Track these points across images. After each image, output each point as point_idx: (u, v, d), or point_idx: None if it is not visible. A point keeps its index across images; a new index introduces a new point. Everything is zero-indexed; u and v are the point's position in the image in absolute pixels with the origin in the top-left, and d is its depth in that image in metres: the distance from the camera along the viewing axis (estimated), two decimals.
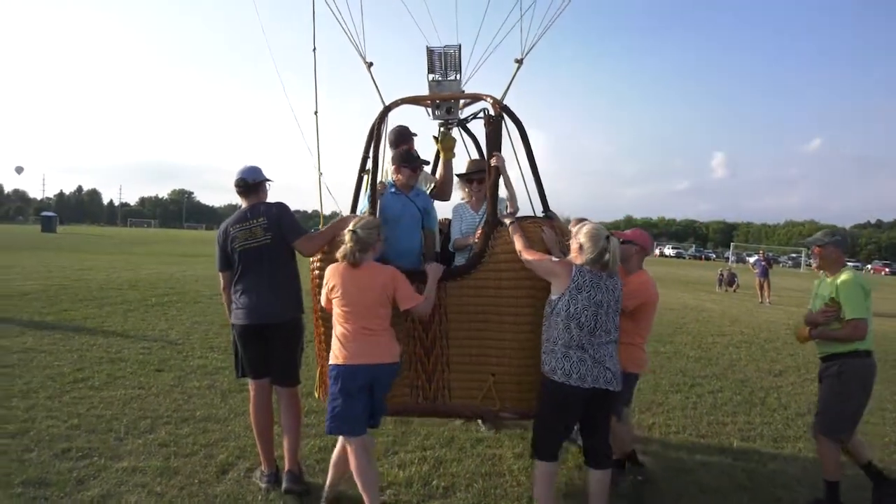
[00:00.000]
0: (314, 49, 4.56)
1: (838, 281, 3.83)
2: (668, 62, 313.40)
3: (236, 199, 4.03)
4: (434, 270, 3.65)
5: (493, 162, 3.78)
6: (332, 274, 3.47)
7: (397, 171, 4.05)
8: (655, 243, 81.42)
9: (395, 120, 4.21)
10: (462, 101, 4.36)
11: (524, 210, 3.94)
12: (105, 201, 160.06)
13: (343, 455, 3.49)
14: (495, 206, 3.80)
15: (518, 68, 4.31)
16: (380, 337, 3.42)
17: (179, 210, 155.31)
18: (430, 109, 4.34)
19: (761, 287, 19.32)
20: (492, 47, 4.46)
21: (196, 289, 13.77)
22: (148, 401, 5.37)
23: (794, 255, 67.71)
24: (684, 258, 68.66)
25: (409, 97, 4.11)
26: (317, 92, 4.52)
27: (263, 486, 3.82)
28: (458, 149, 4.67)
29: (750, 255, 63.43)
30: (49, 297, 11.35)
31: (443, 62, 4.20)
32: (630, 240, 4.09)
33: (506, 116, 3.86)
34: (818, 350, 4.03)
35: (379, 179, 3.91)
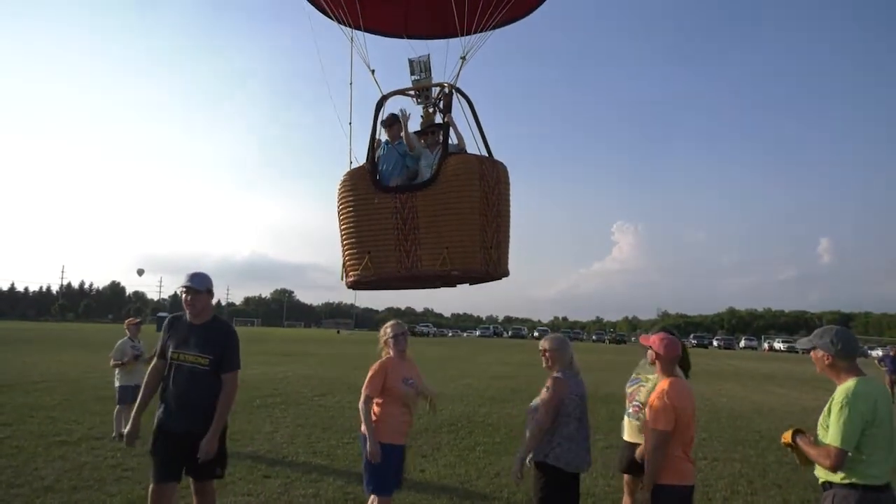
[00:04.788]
0: (350, 83, 6.24)
1: (836, 391, 3.19)
2: (757, 148, 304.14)
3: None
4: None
5: (445, 119, 5.72)
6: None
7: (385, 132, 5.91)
8: (743, 338, 75.89)
9: (390, 107, 5.90)
10: (435, 90, 6.07)
11: (471, 148, 5.67)
12: (214, 301, 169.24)
13: None
14: (447, 145, 5.54)
15: (462, 64, 5.85)
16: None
17: (280, 308, 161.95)
18: (415, 98, 6.08)
19: (892, 385, 17.63)
20: (446, 53, 6.06)
21: (298, 390, 14.14)
22: None
23: None
24: (797, 352, 63.50)
25: (397, 90, 5.97)
26: (351, 90, 6.23)
27: None
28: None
29: (872, 349, 58.30)
30: None
31: (419, 67, 5.97)
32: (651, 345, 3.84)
33: (456, 94, 5.68)
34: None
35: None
